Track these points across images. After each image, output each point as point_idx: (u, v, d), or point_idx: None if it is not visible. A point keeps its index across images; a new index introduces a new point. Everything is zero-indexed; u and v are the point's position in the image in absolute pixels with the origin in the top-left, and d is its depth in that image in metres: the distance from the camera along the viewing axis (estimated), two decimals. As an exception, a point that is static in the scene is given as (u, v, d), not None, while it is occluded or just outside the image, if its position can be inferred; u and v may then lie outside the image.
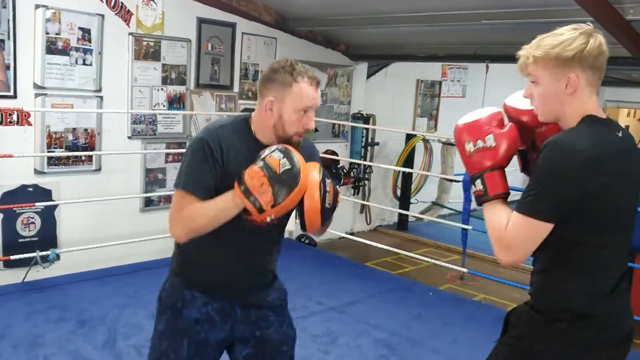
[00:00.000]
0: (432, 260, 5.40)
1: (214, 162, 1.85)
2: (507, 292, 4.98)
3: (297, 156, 1.81)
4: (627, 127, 11.74)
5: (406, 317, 4.25)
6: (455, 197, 7.25)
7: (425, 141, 7.51)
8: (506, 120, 1.71)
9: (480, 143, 1.65)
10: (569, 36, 1.56)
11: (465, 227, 5.03)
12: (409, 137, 7.23)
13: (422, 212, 7.60)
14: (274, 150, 1.80)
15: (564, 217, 1.53)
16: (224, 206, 1.82)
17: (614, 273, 1.64)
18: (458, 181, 5.44)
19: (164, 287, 2.04)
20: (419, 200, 7.62)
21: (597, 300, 1.60)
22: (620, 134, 1.59)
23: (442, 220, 6.13)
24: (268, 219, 1.81)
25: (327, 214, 1.91)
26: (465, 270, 5.08)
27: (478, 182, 1.65)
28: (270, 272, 2.12)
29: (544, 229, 1.54)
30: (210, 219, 1.83)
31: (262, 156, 1.79)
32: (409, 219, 7.49)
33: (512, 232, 1.56)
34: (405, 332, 3.97)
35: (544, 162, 1.54)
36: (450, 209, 7.59)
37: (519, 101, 1.77)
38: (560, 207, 1.52)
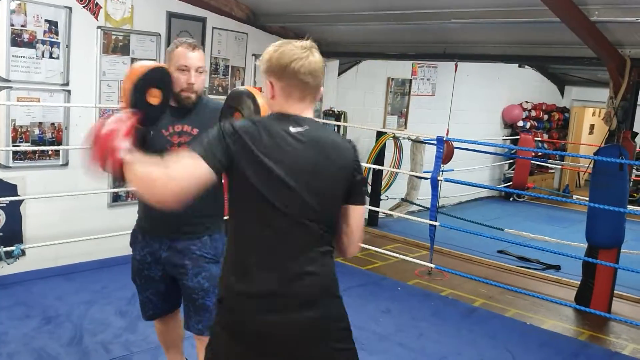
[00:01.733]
0: (401, 256, 5.46)
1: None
2: (473, 287, 5.06)
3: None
4: (592, 125, 12.01)
5: (374, 312, 4.29)
6: (424, 194, 7.32)
7: (396, 139, 7.57)
8: None
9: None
10: (270, 48, 1.74)
11: (433, 223, 5.10)
12: (380, 134, 7.28)
13: (392, 209, 7.66)
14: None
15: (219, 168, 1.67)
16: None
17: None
18: (427, 178, 5.49)
19: None
20: (389, 197, 7.68)
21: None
22: (293, 129, 1.69)
23: (411, 217, 6.20)
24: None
25: None
26: (432, 265, 5.14)
27: (106, 162, 1.75)
28: (191, 223, 2.40)
29: (203, 168, 1.63)
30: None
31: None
32: (379, 215, 7.54)
33: (176, 168, 1.66)
34: (373, 327, 4.01)
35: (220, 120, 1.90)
36: (419, 205, 7.66)
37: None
38: (216, 158, 1.63)
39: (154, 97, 2.27)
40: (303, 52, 1.69)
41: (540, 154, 9.50)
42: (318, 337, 1.69)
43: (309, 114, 1.76)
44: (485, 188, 9.30)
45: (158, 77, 2.30)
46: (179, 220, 2.33)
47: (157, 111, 2.30)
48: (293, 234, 1.67)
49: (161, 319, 2.67)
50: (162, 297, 2.56)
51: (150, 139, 2.35)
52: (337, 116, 6.83)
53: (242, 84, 5.97)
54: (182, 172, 1.61)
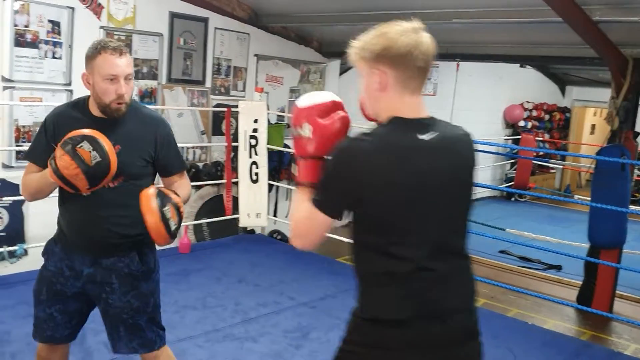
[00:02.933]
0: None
1: (47, 137, 2.18)
2: (476, 288, 5.06)
3: (106, 145, 2.01)
4: (593, 125, 12.01)
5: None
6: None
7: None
8: (341, 112, 1.64)
9: (299, 130, 1.61)
10: (384, 30, 1.52)
11: (436, 223, 5.10)
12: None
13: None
14: (83, 142, 1.99)
15: (342, 213, 1.54)
16: (45, 181, 2.09)
17: (422, 284, 1.52)
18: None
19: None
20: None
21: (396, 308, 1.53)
22: (424, 136, 1.51)
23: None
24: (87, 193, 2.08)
25: (174, 233, 2.12)
26: (435, 265, 5.15)
27: (294, 165, 1.69)
28: (125, 239, 2.25)
29: (323, 220, 1.52)
30: (36, 187, 2.18)
31: (71, 144, 1.98)
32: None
33: (297, 218, 1.57)
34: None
35: (331, 158, 1.52)
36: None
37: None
38: (337, 204, 1.52)
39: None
40: (420, 37, 1.50)
41: (541, 153, 9.51)
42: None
43: (425, 109, 1.57)
44: (486, 188, 9.29)
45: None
46: (107, 236, 2.21)
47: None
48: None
49: (53, 346, 2.34)
50: (68, 318, 2.29)
51: None
52: (339, 116, 6.84)
53: (244, 84, 5.97)
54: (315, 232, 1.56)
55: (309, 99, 1.63)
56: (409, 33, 1.49)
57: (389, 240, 1.50)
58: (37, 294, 2.30)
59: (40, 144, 2.21)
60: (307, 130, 1.58)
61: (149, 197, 2.05)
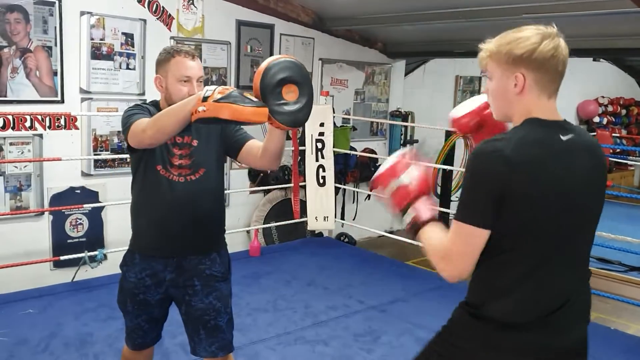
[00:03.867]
0: (474, 259, 5.33)
1: (150, 113, 2.17)
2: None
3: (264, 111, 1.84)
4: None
5: (449, 316, 4.20)
6: (497, 194, 7.15)
7: (466, 138, 7.41)
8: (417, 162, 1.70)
9: (397, 182, 1.65)
10: (524, 34, 1.52)
11: (508, 224, 4.96)
12: (449, 134, 7.15)
13: (463, 210, 7.51)
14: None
15: (492, 222, 1.47)
16: (184, 102, 1.94)
17: (549, 289, 1.52)
18: (500, 178, 5.35)
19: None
20: (460, 198, 7.53)
21: (523, 313, 1.51)
22: (564, 137, 1.51)
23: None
24: (200, 109, 1.80)
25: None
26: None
27: (407, 215, 1.64)
28: (201, 240, 2.29)
29: (479, 235, 1.47)
30: (169, 113, 1.98)
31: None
32: (450, 216, 7.42)
33: (450, 242, 1.51)
34: (448, 331, 3.94)
35: (467, 166, 1.50)
36: (492, 206, 7.50)
37: (460, 109, 1.84)
38: (487, 212, 1.46)
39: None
40: (558, 41, 1.51)
41: (618, 150, 9.10)
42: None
43: (558, 113, 1.57)
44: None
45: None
46: (189, 239, 2.26)
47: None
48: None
49: (141, 351, 2.46)
50: (155, 324, 2.41)
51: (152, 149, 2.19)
52: (404, 117, 6.78)
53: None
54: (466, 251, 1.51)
55: (390, 161, 1.71)
56: (552, 37, 1.51)
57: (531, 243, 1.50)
58: (123, 305, 2.37)
59: (144, 111, 2.20)
60: (406, 179, 1.65)
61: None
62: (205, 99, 1.80)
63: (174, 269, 2.28)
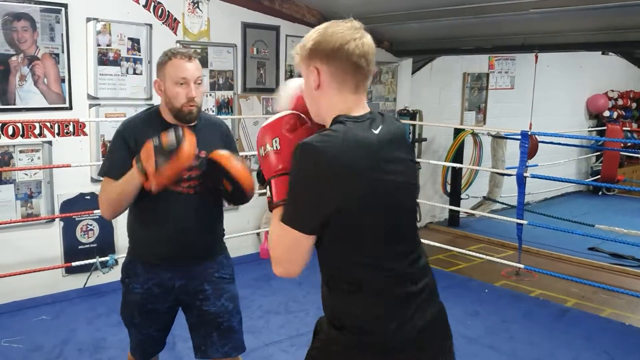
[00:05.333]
0: (486, 257, 5.30)
1: (129, 151, 2.15)
2: (564, 287, 4.85)
3: (186, 135, 2.04)
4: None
5: (462, 315, 4.19)
6: (508, 191, 7.10)
7: (474, 135, 7.38)
8: (306, 125, 1.59)
9: (268, 147, 1.53)
10: (322, 27, 1.49)
11: (521, 221, 4.92)
12: (457, 131, 7.12)
13: (474, 208, 7.48)
14: (170, 130, 2.05)
15: (319, 227, 1.41)
16: (127, 178, 2.09)
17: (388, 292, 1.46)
18: (510, 175, 5.32)
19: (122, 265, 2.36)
20: (470, 196, 7.49)
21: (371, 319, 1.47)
22: (377, 130, 1.45)
23: (494, 215, 6.01)
24: (152, 187, 2.04)
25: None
26: (521, 266, 4.96)
27: (267, 187, 1.54)
28: (208, 245, 2.31)
29: (305, 240, 1.42)
30: (119, 191, 2.13)
31: (159, 135, 2.05)
32: (460, 215, 7.38)
33: (275, 244, 1.47)
34: (462, 330, 3.91)
35: (294, 167, 1.42)
36: (503, 203, 7.45)
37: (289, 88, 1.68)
38: (314, 217, 1.40)
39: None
40: (355, 33, 1.47)
41: (629, 144, 9.01)
42: None
43: (365, 106, 1.52)
44: (572, 183, 8.91)
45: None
46: (196, 246, 2.24)
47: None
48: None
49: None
50: (166, 331, 2.40)
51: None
52: (412, 115, 6.75)
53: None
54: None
55: (273, 117, 1.58)
56: (346, 29, 1.47)
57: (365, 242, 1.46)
58: (130, 319, 2.32)
59: (121, 158, 2.17)
60: (277, 144, 1.52)
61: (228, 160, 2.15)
62: (145, 174, 2.03)
63: (182, 275, 2.26)
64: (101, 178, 2.25)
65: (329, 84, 1.47)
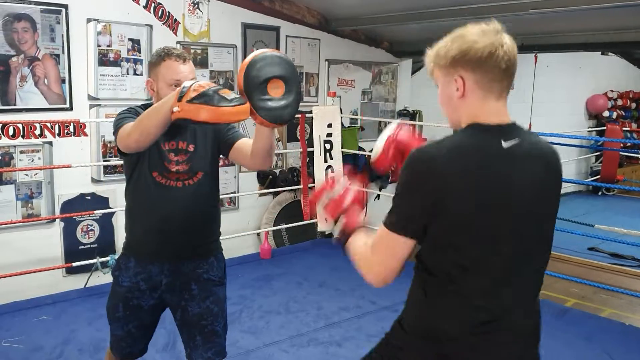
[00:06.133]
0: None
1: (136, 114, 2.10)
2: (564, 287, 4.86)
3: (244, 104, 1.76)
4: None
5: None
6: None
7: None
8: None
9: (330, 194, 1.66)
10: (460, 33, 1.42)
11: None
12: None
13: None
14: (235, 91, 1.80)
15: (420, 231, 1.39)
16: (163, 101, 1.86)
17: (484, 303, 1.41)
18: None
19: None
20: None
21: (457, 330, 1.42)
22: (506, 143, 1.39)
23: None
24: (174, 109, 1.74)
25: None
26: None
27: (338, 224, 1.62)
28: (198, 243, 2.26)
29: (403, 243, 1.40)
30: (149, 114, 1.90)
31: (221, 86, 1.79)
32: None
33: (374, 248, 1.46)
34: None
35: (400, 172, 1.42)
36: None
37: (375, 150, 1.81)
38: (413, 220, 1.39)
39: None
40: (499, 37, 1.39)
41: (629, 144, 9.03)
42: None
43: (508, 115, 1.45)
44: (572, 183, 8.91)
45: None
46: (186, 243, 2.21)
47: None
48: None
49: None
50: (144, 332, 2.35)
51: (149, 153, 2.14)
52: (412, 115, 6.76)
53: (317, 90, 6.01)
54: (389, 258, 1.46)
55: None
56: (490, 34, 1.40)
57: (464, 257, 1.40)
58: (113, 311, 2.31)
59: (133, 115, 2.13)
60: (339, 190, 1.66)
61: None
62: (180, 98, 1.73)
63: (170, 272, 2.24)
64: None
65: (474, 92, 1.42)
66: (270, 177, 5.68)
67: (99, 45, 4.44)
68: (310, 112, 5.56)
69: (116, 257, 4.46)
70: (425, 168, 1.36)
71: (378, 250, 1.45)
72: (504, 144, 1.39)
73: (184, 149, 2.19)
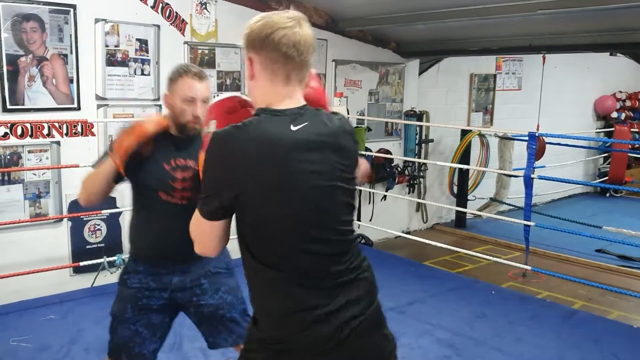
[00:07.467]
0: (493, 258, 5.29)
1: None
2: (571, 289, 4.84)
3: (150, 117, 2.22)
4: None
5: (469, 317, 4.18)
6: (514, 192, 7.09)
7: (481, 136, 7.37)
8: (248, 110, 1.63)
9: (210, 127, 1.65)
10: (257, 16, 1.48)
11: (528, 223, 4.91)
12: (464, 132, 7.11)
13: (481, 209, 7.47)
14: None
15: (225, 216, 1.48)
16: (104, 168, 2.20)
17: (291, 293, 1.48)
18: (517, 176, 5.30)
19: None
20: (477, 197, 7.48)
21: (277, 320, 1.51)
22: (295, 127, 1.43)
23: (501, 217, 6.00)
24: (116, 160, 2.15)
25: None
26: (528, 267, 4.94)
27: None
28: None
29: (209, 225, 1.49)
30: (92, 176, 2.23)
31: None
32: (467, 216, 7.37)
33: (193, 226, 1.55)
34: (468, 332, 3.91)
35: (204, 155, 1.48)
36: (510, 204, 7.43)
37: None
38: (217, 206, 1.46)
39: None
40: (288, 22, 1.44)
41: (637, 145, 8.97)
42: None
43: (300, 99, 1.50)
44: (580, 184, 8.88)
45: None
46: (193, 253, 2.24)
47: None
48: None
49: None
50: (153, 331, 2.34)
51: (150, 171, 2.25)
52: (419, 116, 6.75)
53: (324, 90, 6.00)
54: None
55: (218, 98, 1.67)
56: (281, 19, 1.44)
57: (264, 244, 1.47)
58: (121, 313, 2.32)
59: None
60: (212, 127, 1.58)
61: None
62: (111, 148, 2.15)
63: (180, 272, 2.31)
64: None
65: (261, 74, 1.47)
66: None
67: (106, 45, 4.45)
68: (317, 112, 5.55)
69: (123, 256, 4.51)
70: (221, 153, 1.43)
71: (195, 229, 1.56)
72: (293, 128, 1.43)
73: (191, 166, 2.25)
